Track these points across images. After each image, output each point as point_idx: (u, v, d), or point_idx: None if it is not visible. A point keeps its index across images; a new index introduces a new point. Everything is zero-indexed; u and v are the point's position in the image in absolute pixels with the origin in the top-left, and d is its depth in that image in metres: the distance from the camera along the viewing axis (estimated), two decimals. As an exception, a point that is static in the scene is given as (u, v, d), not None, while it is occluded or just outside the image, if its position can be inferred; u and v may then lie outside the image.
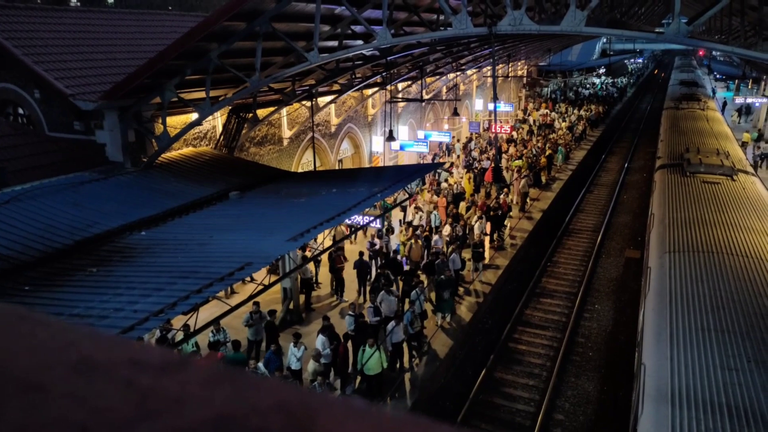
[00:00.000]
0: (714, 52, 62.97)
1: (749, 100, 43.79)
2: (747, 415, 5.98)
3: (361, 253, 15.80)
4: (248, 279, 15.76)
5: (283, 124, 20.17)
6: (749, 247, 10.58)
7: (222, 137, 16.97)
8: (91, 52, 15.73)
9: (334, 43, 14.65)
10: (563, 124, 39.88)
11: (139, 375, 0.52)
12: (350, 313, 12.41)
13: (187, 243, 9.25)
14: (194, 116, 14.09)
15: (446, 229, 18.16)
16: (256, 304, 12.02)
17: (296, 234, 9.07)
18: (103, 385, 0.49)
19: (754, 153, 30.63)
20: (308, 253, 15.55)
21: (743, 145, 27.98)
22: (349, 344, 12.01)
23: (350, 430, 0.44)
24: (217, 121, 17.21)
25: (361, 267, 15.55)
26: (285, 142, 20.38)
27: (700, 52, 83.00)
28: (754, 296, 8.55)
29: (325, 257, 16.20)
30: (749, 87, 54.86)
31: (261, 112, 17.48)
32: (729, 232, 11.34)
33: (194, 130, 15.95)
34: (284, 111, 19.67)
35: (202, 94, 13.32)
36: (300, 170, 21.24)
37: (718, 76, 67.65)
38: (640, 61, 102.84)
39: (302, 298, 14.92)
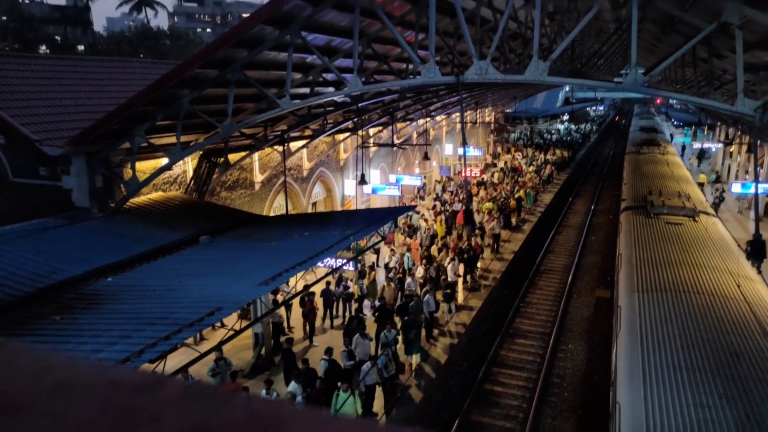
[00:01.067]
0: (671, 101, 66.04)
1: (706, 145, 45.75)
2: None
3: (327, 283, 16.19)
4: (218, 324, 15.42)
5: (254, 169, 20.18)
6: (713, 285, 10.86)
7: (192, 182, 16.86)
8: (59, 98, 15.63)
9: (306, 90, 14.90)
10: (530, 169, 40.88)
11: (116, 394, 0.53)
12: (324, 357, 12.24)
13: (155, 289, 9.05)
14: (164, 161, 14.01)
15: (419, 271, 18.20)
16: (220, 350, 11.77)
17: (268, 278, 8.97)
18: (81, 404, 0.50)
19: (713, 194, 31.78)
20: (280, 298, 15.35)
21: (701, 186, 29.06)
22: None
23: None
24: (188, 165, 17.12)
25: (327, 296, 16.27)
26: (257, 187, 20.34)
27: (658, 101, 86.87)
28: (721, 334, 8.73)
29: (296, 302, 16.05)
30: (705, 133, 57.40)
31: (232, 157, 17.48)
32: (693, 271, 11.64)
33: (164, 174, 15.83)
34: (256, 156, 19.72)
35: (173, 140, 13.30)
36: (272, 214, 21.15)
37: (675, 122, 70.64)
38: (602, 108, 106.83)
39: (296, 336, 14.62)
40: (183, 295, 8.60)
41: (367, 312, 16.55)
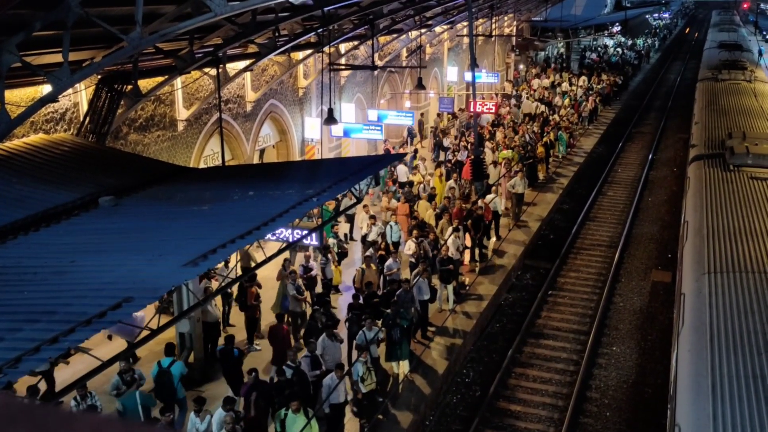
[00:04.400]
0: (762, 5, 66.10)
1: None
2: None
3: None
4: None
5: (177, 101, 19.91)
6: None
7: (88, 119, 16.62)
8: None
9: (250, -13, 14.61)
10: (565, 102, 40.98)
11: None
12: (289, 363, 12.44)
13: (36, 271, 8.99)
14: (46, 89, 13.74)
15: (409, 247, 18.30)
16: (130, 359, 11.82)
17: (197, 256, 8.94)
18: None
19: None
20: (215, 285, 15.38)
21: None
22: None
23: None
24: (81, 96, 16.85)
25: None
26: (180, 126, 20.11)
27: (745, 5, 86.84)
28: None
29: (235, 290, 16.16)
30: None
31: (145, 84, 17.18)
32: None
33: (46, 109, 15.57)
34: (179, 82, 19.44)
35: (59, 58, 13.02)
36: (202, 165, 20.96)
37: (768, 36, 71.01)
38: (667, 15, 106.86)
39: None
40: (77, 279, 8.56)
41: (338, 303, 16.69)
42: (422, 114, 36.48)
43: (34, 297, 8.16)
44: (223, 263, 15.50)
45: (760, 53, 50.11)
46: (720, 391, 7.80)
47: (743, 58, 38.19)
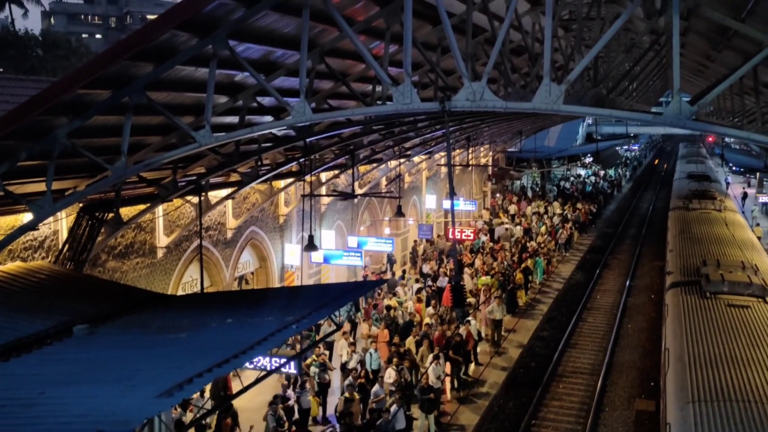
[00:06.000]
0: (727, 139, 68.93)
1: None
2: None
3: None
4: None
5: (157, 228, 19.95)
6: (796, 392, 10.97)
7: (67, 247, 16.52)
8: None
9: (234, 119, 15.01)
10: (542, 229, 41.61)
11: None
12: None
13: (5, 404, 8.68)
14: (27, 217, 13.72)
15: (389, 375, 17.95)
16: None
17: (172, 386, 8.70)
18: None
19: None
20: (190, 416, 14.92)
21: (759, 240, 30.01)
22: None
23: None
24: (61, 223, 16.83)
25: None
26: (160, 253, 20.05)
27: (710, 139, 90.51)
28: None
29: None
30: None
31: (126, 212, 17.25)
32: (769, 373, 11.75)
33: (25, 237, 15.50)
34: (160, 210, 19.55)
35: (42, 187, 13.09)
36: (181, 292, 20.75)
37: (734, 168, 73.50)
38: (636, 147, 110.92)
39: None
40: (45, 413, 8.26)
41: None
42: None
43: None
44: (198, 393, 15.09)
45: (728, 184, 51.91)
46: None
47: (712, 188, 39.32)
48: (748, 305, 15.88)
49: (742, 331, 14.08)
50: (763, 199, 50.80)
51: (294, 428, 16.77)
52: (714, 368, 12.07)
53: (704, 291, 16.95)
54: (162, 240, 20.09)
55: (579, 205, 51.10)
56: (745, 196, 53.93)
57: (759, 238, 34.23)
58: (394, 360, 18.68)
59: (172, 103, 13.18)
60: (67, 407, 8.42)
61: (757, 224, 41.87)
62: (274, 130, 15.20)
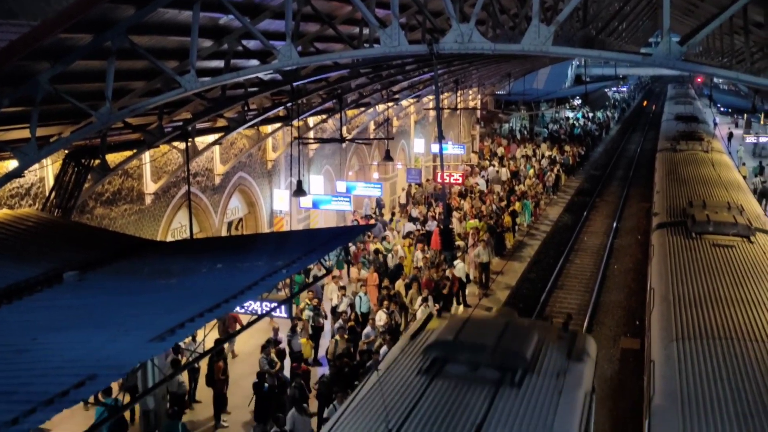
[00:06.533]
0: (716, 79, 68.67)
1: (763, 139, 47.78)
2: None
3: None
4: (91, 400, 15.03)
5: (145, 175, 19.86)
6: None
7: (54, 194, 16.46)
8: None
9: (219, 63, 14.80)
10: (530, 172, 41.72)
11: None
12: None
13: (-3, 350, 8.74)
14: (12, 164, 13.64)
15: (380, 317, 18.17)
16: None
17: (163, 331, 8.76)
18: None
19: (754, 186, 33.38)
20: (182, 360, 15.13)
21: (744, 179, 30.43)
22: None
23: None
24: (47, 170, 16.73)
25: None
26: (148, 200, 20.01)
27: (698, 79, 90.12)
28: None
29: (205, 364, 15.84)
30: (762, 122, 59.90)
31: (113, 158, 17.15)
32: (752, 311, 11.97)
33: (11, 184, 15.40)
34: (147, 156, 19.42)
35: (26, 134, 12.97)
36: (170, 238, 20.79)
37: (722, 109, 73.46)
38: (625, 89, 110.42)
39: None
40: (38, 358, 8.33)
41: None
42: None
43: (-7, 377, 7.90)
44: (190, 338, 15.25)
45: (715, 125, 51.97)
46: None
47: (700, 130, 39.37)
48: (733, 245, 16.08)
49: (726, 270, 14.28)
50: (750, 139, 50.86)
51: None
52: (698, 307, 12.28)
53: (690, 231, 17.12)
54: (150, 186, 20.02)
55: (567, 148, 51.11)
56: (730, 136, 54.07)
57: (744, 177, 34.61)
58: (384, 303, 18.88)
59: (155, 47, 12.99)
60: (59, 353, 8.49)
61: (743, 164, 42.31)
62: (260, 74, 15.02)
